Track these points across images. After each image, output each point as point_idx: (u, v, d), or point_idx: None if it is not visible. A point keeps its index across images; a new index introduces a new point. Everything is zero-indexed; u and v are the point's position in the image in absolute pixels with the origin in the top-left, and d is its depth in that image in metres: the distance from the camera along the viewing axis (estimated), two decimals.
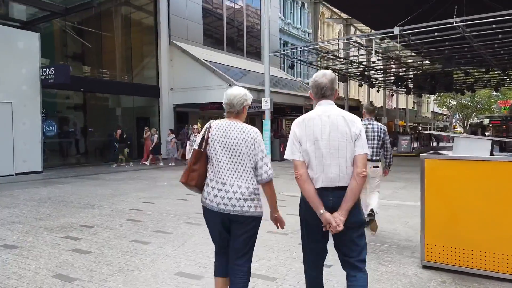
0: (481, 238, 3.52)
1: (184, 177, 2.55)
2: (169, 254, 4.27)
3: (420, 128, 54.67)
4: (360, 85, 29.19)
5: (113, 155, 15.22)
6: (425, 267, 3.77)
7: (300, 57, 20.34)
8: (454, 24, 13.30)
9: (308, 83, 30.58)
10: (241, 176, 2.46)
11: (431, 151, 4.30)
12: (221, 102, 2.70)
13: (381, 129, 5.01)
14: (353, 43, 15.90)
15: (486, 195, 3.53)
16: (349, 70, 25.03)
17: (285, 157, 2.43)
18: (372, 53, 15.06)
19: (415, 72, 26.09)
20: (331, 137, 2.31)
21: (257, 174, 2.47)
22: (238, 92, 2.60)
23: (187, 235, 5.10)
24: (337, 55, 19.60)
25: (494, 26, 14.14)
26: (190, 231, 5.28)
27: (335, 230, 2.25)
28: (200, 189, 2.58)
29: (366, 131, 4.71)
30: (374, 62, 15.06)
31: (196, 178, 2.53)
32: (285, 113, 24.62)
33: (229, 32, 23.31)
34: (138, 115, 18.49)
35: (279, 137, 19.18)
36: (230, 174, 2.46)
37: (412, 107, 56.55)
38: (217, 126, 2.56)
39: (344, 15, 25.22)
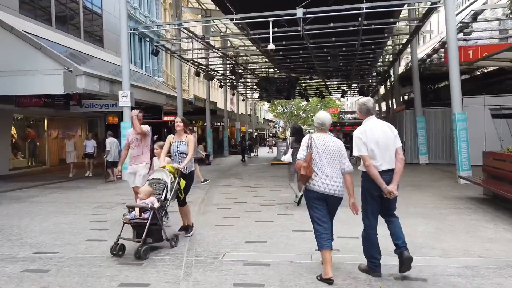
0: None
1: (308, 172, 3.69)
2: None
3: (256, 134, 55.82)
4: (221, 86, 26.33)
5: None
6: None
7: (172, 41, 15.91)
8: (363, 11, 11.48)
9: (161, 81, 26.23)
10: (336, 170, 3.78)
11: None
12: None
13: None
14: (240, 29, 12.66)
15: None
16: (212, 66, 21.89)
17: (353, 154, 3.83)
18: (270, 42, 12.07)
19: (269, 76, 24.82)
20: (385, 138, 3.76)
21: (343, 168, 3.81)
22: (328, 115, 3.99)
23: None
24: (212, 44, 16.03)
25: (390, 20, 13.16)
26: None
27: (394, 195, 3.70)
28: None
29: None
30: (271, 51, 12.19)
31: (312, 172, 3.73)
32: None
33: (59, 5, 17.04)
34: None
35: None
36: (330, 169, 3.75)
37: (250, 113, 56.21)
38: (317, 137, 3.84)
39: (205, 5, 21.77)
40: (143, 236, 4.40)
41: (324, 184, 3.68)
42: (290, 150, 7.89)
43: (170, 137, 5.48)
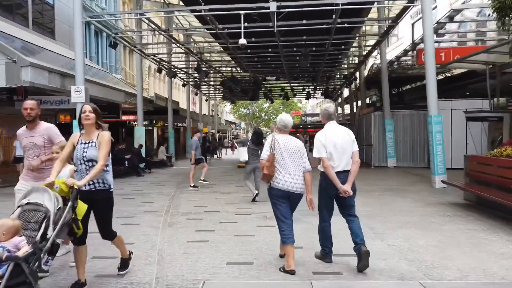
0: None
1: (270, 172, 3.97)
2: None
3: (218, 135, 54.48)
4: (184, 85, 25.20)
5: None
6: None
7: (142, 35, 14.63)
8: (340, 7, 10.96)
9: (120, 78, 24.66)
10: (298, 168, 4.03)
11: None
12: None
13: None
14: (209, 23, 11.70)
15: None
16: (174, 63, 20.78)
17: (314, 155, 4.13)
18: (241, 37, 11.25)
19: (238, 77, 24.06)
20: (343, 142, 4.04)
21: (304, 166, 4.07)
22: (290, 118, 4.27)
23: None
24: (175, 38, 14.98)
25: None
26: None
27: (348, 194, 3.96)
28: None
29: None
30: (242, 46, 11.36)
31: (274, 172, 4.01)
32: None
33: None
34: None
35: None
36: (292, 167, 4.00)
37: (212, 115, 54.41)
38: (280, 138, 4.09)
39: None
40: None
41: (286, 182, 3.94)
42: (245, 149, 8.61)
43: (74, 136, 3.56)
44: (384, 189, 10.05)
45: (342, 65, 23.69)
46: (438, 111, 10.52)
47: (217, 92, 34.80)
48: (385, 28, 14.26)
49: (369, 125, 17.74)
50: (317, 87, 29.92)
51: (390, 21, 13.05)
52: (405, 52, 15.21)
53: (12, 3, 15.77)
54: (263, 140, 8.81)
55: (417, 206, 7.61)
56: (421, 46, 13.64)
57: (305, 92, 30.17)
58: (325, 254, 4.22)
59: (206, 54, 22.10)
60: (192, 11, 11.89)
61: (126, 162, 14.45)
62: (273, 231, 5.48)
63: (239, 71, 24.53)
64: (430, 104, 10.48)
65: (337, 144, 3.99)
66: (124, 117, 20.52)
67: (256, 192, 8.20)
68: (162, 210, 7.31)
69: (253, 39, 14.12)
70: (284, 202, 4.00)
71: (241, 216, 6.72)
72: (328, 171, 3.96)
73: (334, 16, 11.93)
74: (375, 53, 19.31)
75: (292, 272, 3.84)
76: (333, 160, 3.99)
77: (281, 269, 3.96)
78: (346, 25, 12.84)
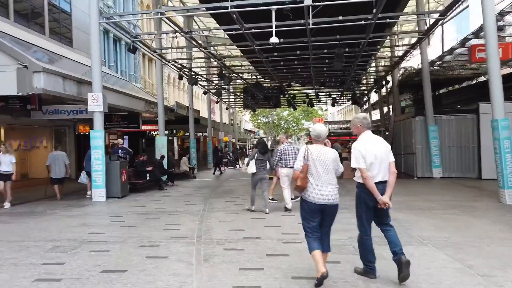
0: None
1: (304, 183, 3.88)
2: None
3: (238, 144, 53.18)
4: (205, 93, 24.19)
5: None
6: None
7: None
8: None
9: (139, 88, 23.88)
10: (331, 179, 3.93)
11: None
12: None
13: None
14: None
15: None
16: (195, 69, 19.81)
17: (352, 166, 4.00)
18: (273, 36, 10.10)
19: (260, 84, 22.88)
20: (382, 152, 3.97)
21: (337, 170, 4.01)
22: (324, 128, 4.17)
23: None
24: (198, 42, 13.94)
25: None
26: None
27: (388, 206, 3.89)
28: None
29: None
30: (274, 45, 10.15)
31: (307, 183, 3.90)
32: (113, 124, 17.09)
33: None
34: None
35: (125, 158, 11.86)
36: (324, 179, 3.89)
37: (232, 123, 53.17)
38: (313, 148, 3.98)
39: (191, 3, 19.59)
40: None
41: (318, 194, 3.86)
42: (253, 161, 8.35)
43: None
44: (445, 206, 8.61)
45: (373, 68, 22.31)
46: (504, 114, 9.08)
47: (237, 100, 33.79)
48: (429, 24, 12.85)
49: (409, 131, 16.24)
50: (344, 93, 28.51)
51: (438, 14, 11.63)
52: (451, 50, 13.73)
53: (28, 12, 15.09)
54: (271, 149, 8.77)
55: (502, 230, 6.20)
56: (471, 42, 12.18)
57: (331, 98, 28.78)
58: (370, 270, 4.02)
59: (227, 62, 21.10)
60: (218, 8, 10.76)
61: (148, 175, 13.40)
62: (342, 271, 4.19)
63: (259, 77, 23.38)
64: (495, 106, 9.05)
65: (377, 155, 3.93)
66: (144, 127, 19.64)
67: (253, 208, 8.24)
68: (193, 236, 6.11)
69: (281, 40, 12.97)
70: (315, 217, 3.90)
71: (290, 245, 5.44)
72: (368, 182, 3.88)
73: (374, 10, 10.66)
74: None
75: (324, 276, 3.69)
76: (371, 171, 3.92)
77: (316, 282, 3.77)
78: (387, 20, 11.54)
